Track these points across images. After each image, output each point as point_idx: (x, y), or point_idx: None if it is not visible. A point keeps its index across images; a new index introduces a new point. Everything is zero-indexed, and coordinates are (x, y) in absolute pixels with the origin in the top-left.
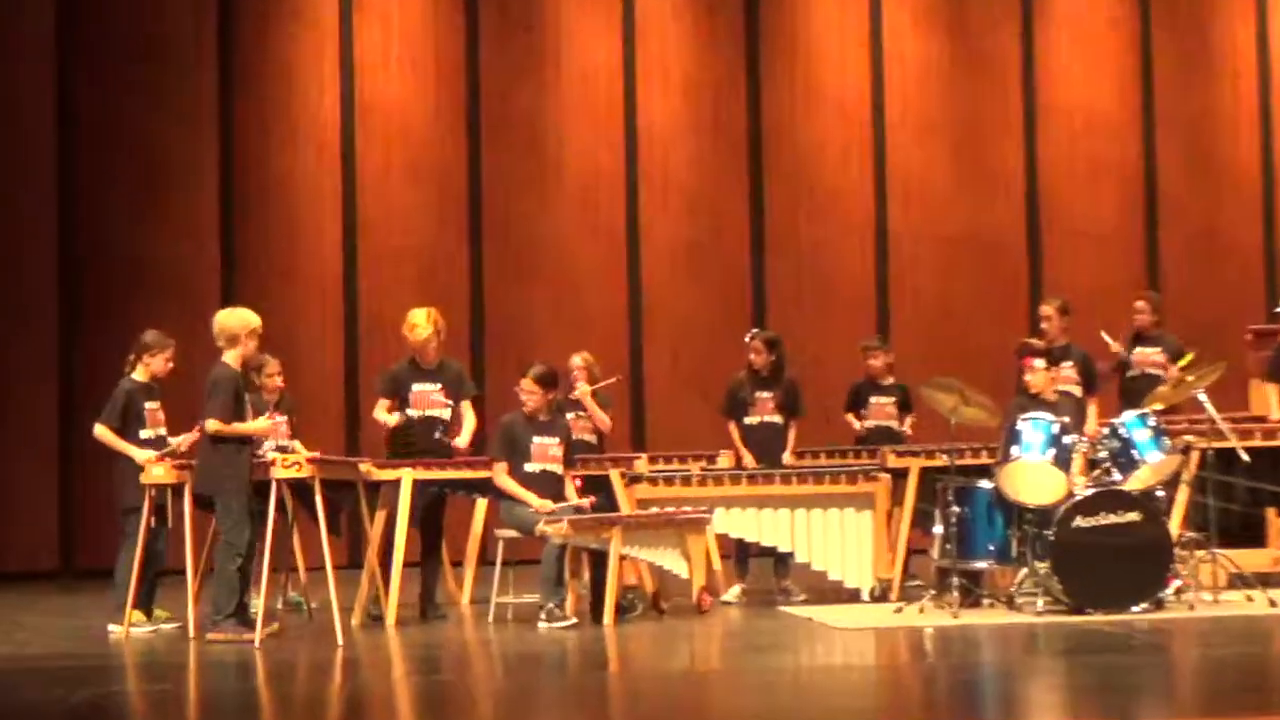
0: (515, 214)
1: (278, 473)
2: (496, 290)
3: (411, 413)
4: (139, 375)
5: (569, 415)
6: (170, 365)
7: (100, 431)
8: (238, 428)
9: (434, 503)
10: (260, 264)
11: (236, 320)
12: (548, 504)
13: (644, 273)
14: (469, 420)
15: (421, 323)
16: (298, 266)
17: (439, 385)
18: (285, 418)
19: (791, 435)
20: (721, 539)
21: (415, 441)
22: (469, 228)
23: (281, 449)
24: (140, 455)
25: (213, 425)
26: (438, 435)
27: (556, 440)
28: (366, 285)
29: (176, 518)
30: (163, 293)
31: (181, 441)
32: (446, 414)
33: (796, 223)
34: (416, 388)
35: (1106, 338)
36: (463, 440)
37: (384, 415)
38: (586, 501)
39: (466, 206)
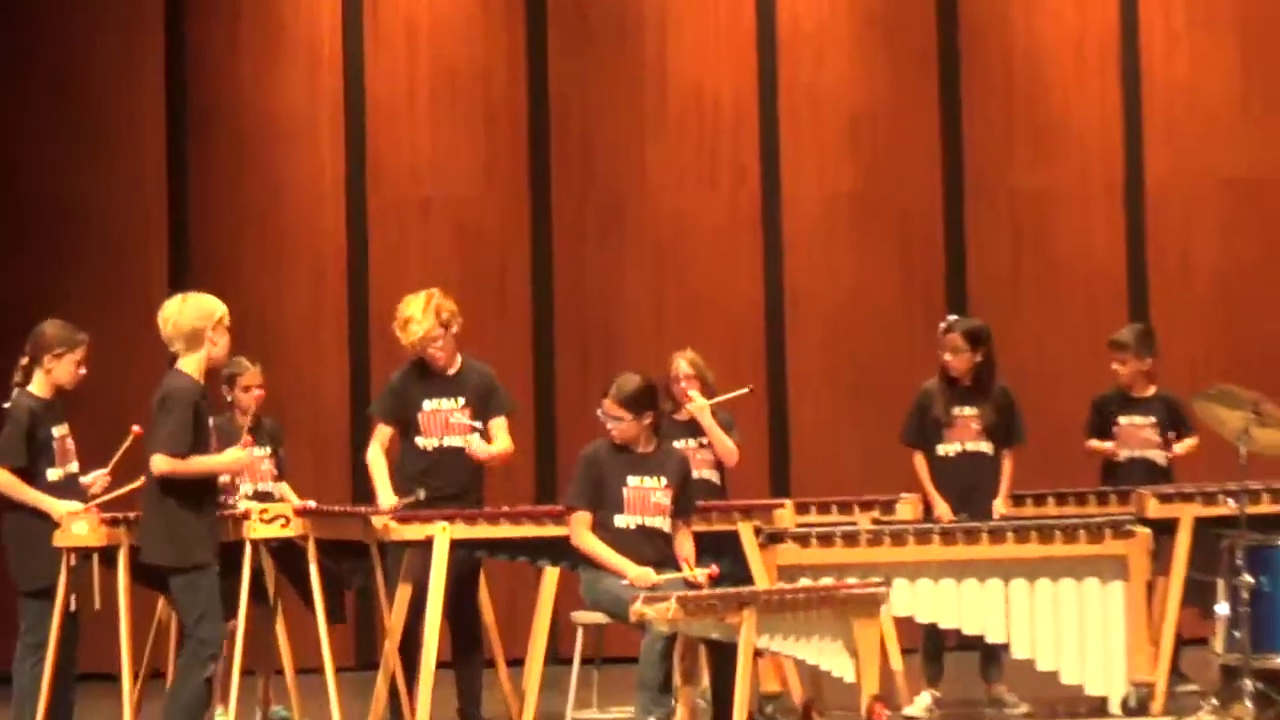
0: (597, 153)
1: (254, 530)
2: (570, 263)
3: (422, 442)
4: (37, 388)
5: (679, 444)
6: (81, 372)
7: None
8: (197, 464)
9: (466, 575)
10: (227, 228)
11: (194, 312)
12: (649, 573)
13: (786, 237)
14: (500, 442)
15: (416, 314)
16: (283, 232)
17: (460, 400)
18: (266, 450)
19: (1007, 472)
20: (903, 624)
21: (438, 475)
22: (530, 172)
23: (260, 495)
24: (59, 507)
25: (161, 463)
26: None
27: (662, 482)
28: (381, 258)
29: (105, 597)
30: (82, 266)
31: (94, 480)
32: (475, 440)
33: (1008, 165)
34: (428, 405)
35: None
36: (483, 450)
37: (382, 478)
38: (704, 572)
39: (526, 142)
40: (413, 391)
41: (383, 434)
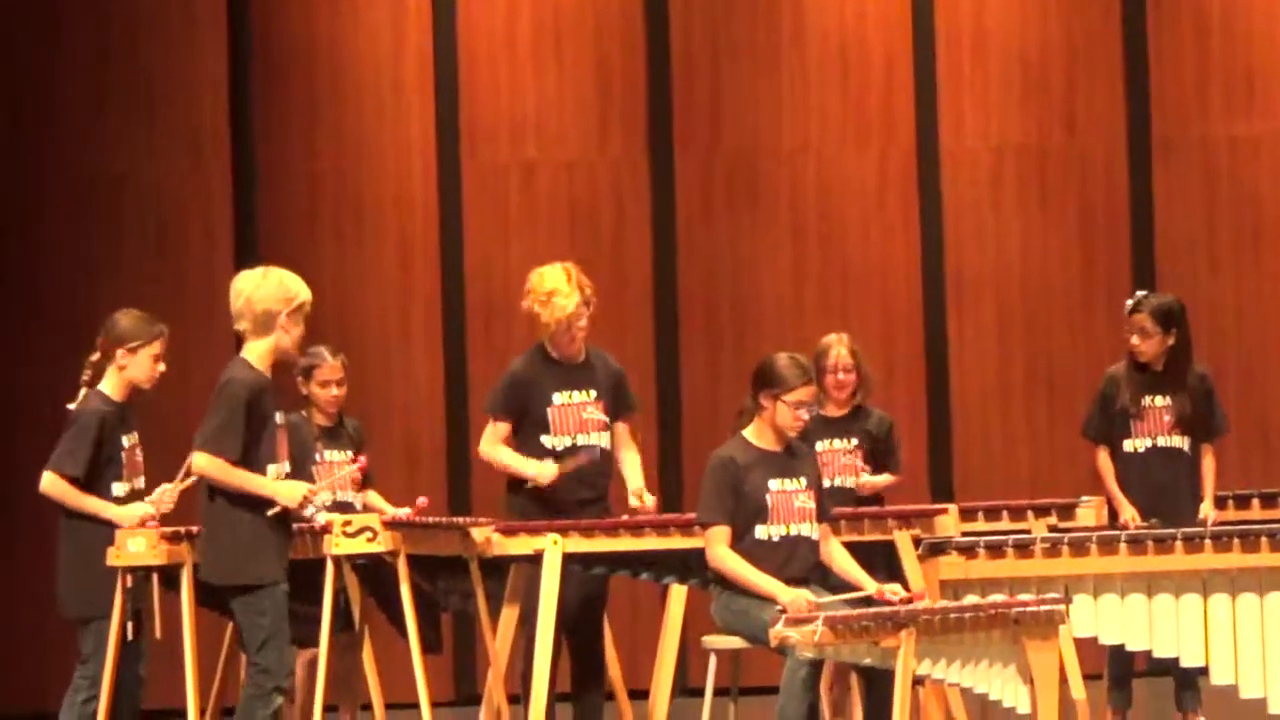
0: (726, 109)
1: (337, 546)
2: (696, 236)
3: (550, 441)
4: (109, 388)
5: (824, 444)
6: (160, 368)
7: (52, 484)
8: (239, 478)
9: (595, 595)
10: (299, 200)
11: (272, 290)
12: (804, 595)
13: (945, 202)
14: (631, 456)
15: (561, 286)
16: (364, 204)
17: (591, 392)
18: (348, 454)
19: (1209, 470)
20: (1086, 646)
21: (564, 488)
22: (648, 132)
23: (340, 506)
24: (125, 514)
25: (202, 461)
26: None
27: (803, 483)
28: (477, 232)
29: (167, 623)
30: (135, 248)
31: (159, 497)
32: (606, 440)
33: (1203, 113)
34: (558, 398)
35: None
36: (637, 483)
37: (513, 457)
38: (896, 590)
39: (644, 97)
40: (540, 383)
41: (499, 432)
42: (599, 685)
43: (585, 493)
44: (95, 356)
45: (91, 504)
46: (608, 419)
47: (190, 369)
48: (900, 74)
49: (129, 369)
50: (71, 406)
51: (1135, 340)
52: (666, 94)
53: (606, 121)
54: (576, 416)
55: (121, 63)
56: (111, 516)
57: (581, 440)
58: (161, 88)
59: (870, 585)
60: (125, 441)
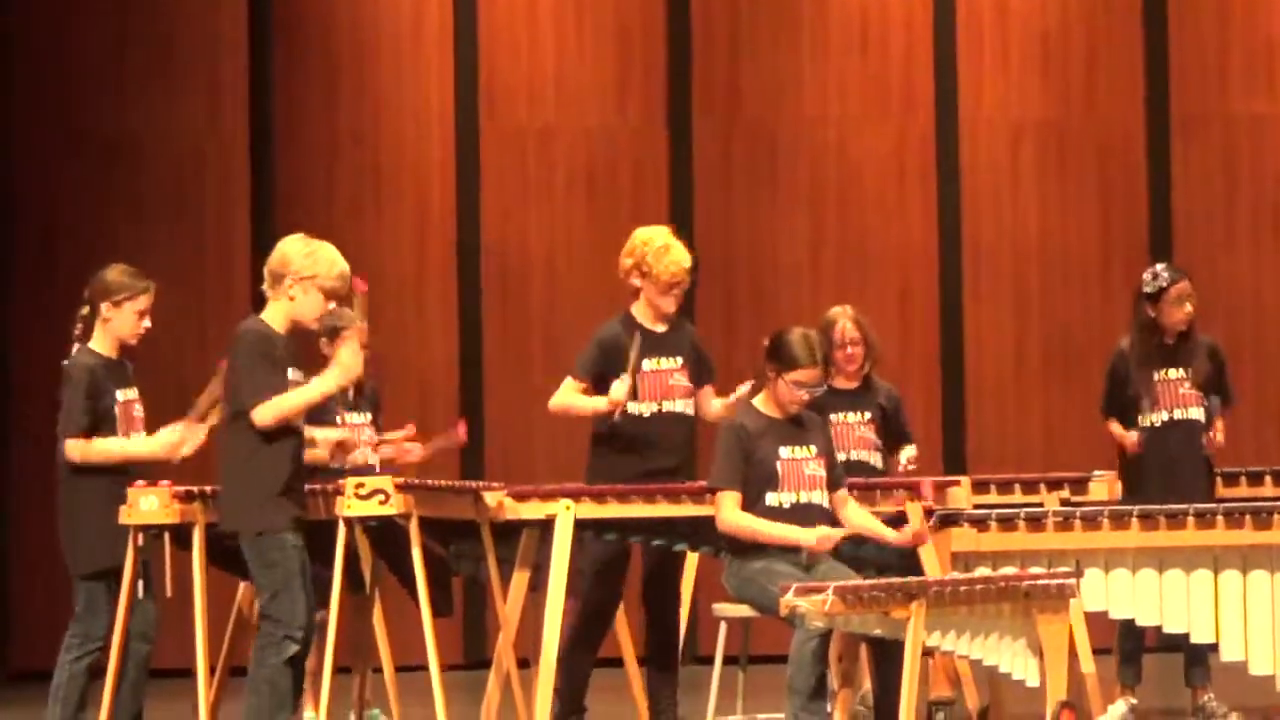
0: (745, 77)
1: (349, 507)
2: (714, 204)
3: (636, 407)
4: (99, 344)
5: (838, 417)
6: (145, 324)
7: (73, 448)
8: (302, 396)
9: (670, 568)
10: (318, 163)
11: (298, 257)
12: (829, 531)
13: (964, 174)
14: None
15: (675, 243)
16: (382, 167)
17: (678, 359)
18: (366, 417)
19: (1217, 432)
20: (1096, 620)
21: (657, 445)
22: (668, 99)
23: (359, 469)
24: (154, 445)
25: (263, 415)
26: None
27: (813, 451)
28: (494, 197)
29: (178, 582)
30: (152, 210)
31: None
32: (690, 408)
33: (1222, 89)
34: (646, 364)
35: None
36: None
37: (581, 399)
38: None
39: (664, 63)
40: (629, 347)
41: (572, 388)
42: (673, 654)
43: (667, 459)
44: (84, 310)
45: (118, 447)
46: (692, 385)
47: (206, 327)
48: (920, 46)
49: (113, 322)
50: (65, 363)
51: (1187, 309)
52: (686, 61)
53: (626, 88)
54: (663, 383)
55: (141, 22)
56: (142, 452)
57: (668, 407)
58: (181, 47)
59: (891, 535)
60: (120, 396)
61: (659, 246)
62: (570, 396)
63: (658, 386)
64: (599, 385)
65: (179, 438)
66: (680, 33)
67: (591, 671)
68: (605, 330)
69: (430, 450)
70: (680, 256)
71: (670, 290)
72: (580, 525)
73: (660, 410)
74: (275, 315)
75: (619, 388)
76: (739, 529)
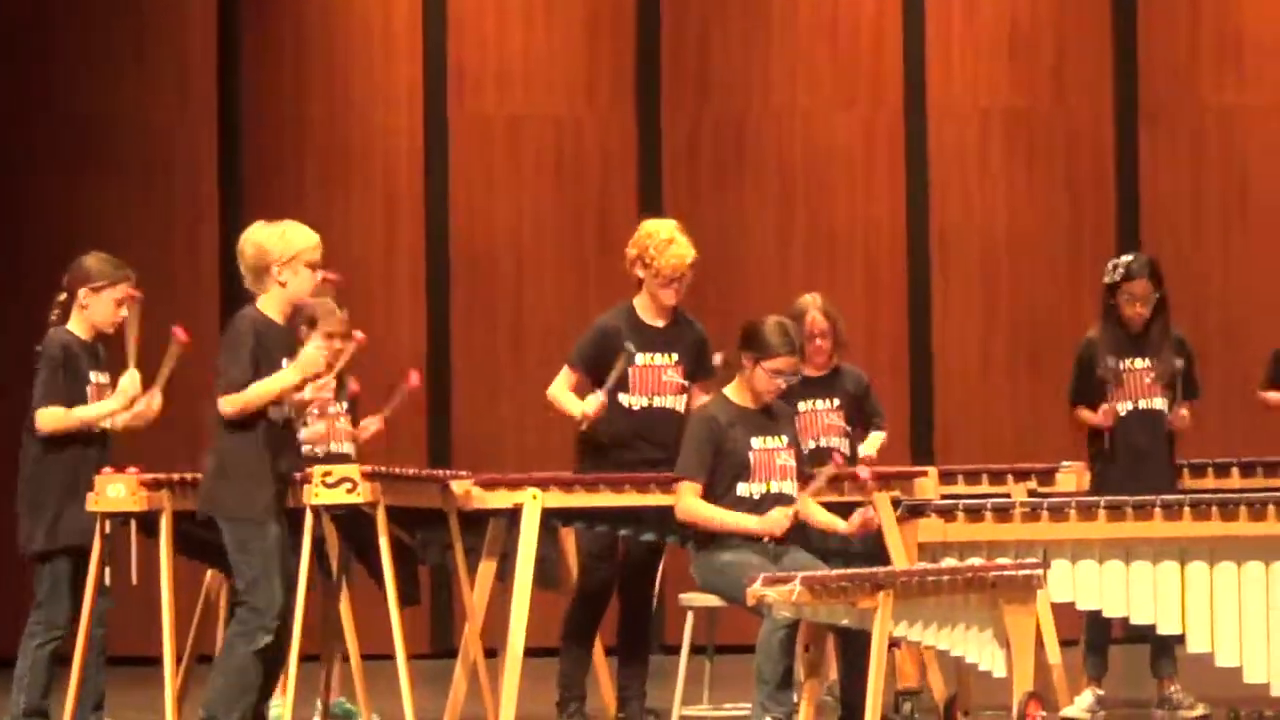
0: (714, 66)
1: (316, 495)
2: (682, 193)
3: (628, 400)
4: (75, 327)
5: (806, 405)
6: (122, 314)
7: (46, 418)
8: (269, 386)
9: (644, 562)
10: (285, 147)
11: (270, 241)
12: (781, 514)
13: (932, 163)
14: None
15: (680, 236)
16: (350, 152)
17: (673, 355)
18: (343, 406)
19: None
20: (1063, 611)
21: (645, 439)
22: (636, 87)
23: (336, 458)
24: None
25: (227, 407)
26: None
27: (784, 441)
28: (462, 184)
29: (144, 569)
30: (119, 192)
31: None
32: (681, 404)
33: (1191, 80)
34: (640, 358)
35: None
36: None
37: (567, 397)
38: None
39: (632, 51)
40: (627, 339)
41: (568, 379)
42: (645, 649)
43: (655, 453)
44: (62, 296)
45: (89, 412)
46: (685, 382)
47: (174, 309)
48: (889, 35)
49: (90, 309)
50: (39, 348)
51: (1139, 308)
52: (655, 49)
53: (595, 76)
54: (656, 378)
55: (111, 1)
56: (105, 410)
57: (659, 402)
58: (151, 28)
59: (842, 525)
60: (93, 377)
61: (662, 239)
62: (560, 391)
63: (650, 381)
64: (593, 372)
65: (135, 387)
66: (649, 21)
67: (591, 658)
68: (605, 319)
69: (389, 410)
70: (683, 250)
71: (671, 283)
72: (548, 514)
73: (651, 405)
74: (271, 305)
75: (592, 402)
76: (695, 517)
